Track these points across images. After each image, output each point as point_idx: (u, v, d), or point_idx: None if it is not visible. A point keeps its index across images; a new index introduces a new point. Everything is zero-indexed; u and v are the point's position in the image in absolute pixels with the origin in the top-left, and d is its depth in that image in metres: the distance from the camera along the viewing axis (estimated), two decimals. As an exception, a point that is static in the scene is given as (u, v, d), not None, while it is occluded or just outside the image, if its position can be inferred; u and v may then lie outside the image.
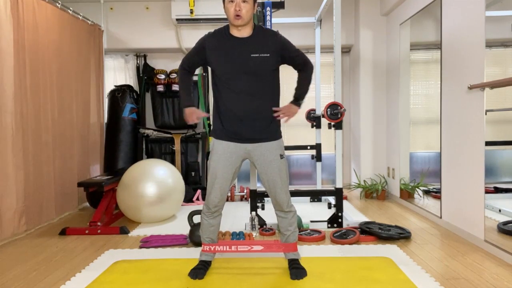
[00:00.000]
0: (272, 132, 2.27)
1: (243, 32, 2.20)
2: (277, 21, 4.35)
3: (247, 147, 2.26)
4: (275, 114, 2.26)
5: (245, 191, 4.62)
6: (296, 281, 2.22)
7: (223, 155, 2.26)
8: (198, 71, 5.30)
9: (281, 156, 2.29)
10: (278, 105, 2.32)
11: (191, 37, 5.06)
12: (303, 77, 2.39)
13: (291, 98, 2.37)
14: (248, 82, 2.19)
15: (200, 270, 2.31)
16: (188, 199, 4.48)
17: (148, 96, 5.24)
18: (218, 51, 2.21)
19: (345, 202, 4.35)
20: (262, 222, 3.27)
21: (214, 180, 2.27)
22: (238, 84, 2.19)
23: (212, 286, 2.17)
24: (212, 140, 2.32)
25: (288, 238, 2.37)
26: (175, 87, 4.95)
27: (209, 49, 2.23)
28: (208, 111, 5.19)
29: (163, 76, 4.94)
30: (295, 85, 2.40)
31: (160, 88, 4.94)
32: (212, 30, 2.29)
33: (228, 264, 2.50)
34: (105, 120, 4.83)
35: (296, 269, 2.29)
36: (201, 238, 2.39)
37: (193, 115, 2.29)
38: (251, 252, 2.40)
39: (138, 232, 3.31)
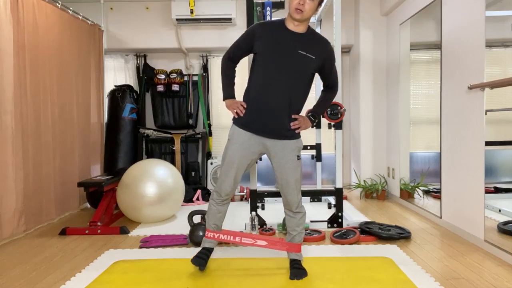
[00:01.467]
0: (293, 130, 2.28)
1: (298, 27, 2.22)
2: (277, 21, 4.35)
3: (266, 142, 2.27)
4: (292, 123, 2.26)
5: (245, 191, 4.62)
6: (296, 281, 2.22)
7: (242, 145, 2.26)
8: (198, 70, 5.31)
9: (298, 157, 2.31)
10: (302, 107, 2.33)
11: (191, 37, 5.06)
12: (328, 96, 2.45)
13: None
14: (287, 76, 2.20)
15: (203, 259, 2.34)
16: (188, 199, 4.49)
17: (148, 96, 5.24)
18: (268, 39, 2.21)
19: (345, 202, 4.35)
20: (262, 222, 3.27)
21: (229, 169, 2.28)
22: (278, 74, 2.19)
23: (212, 286, 2.17)
24: (232, 128, 2.31)
25: (293, 238, 2.37)
26: (175, 87, 4.96)
27: (259, 36, 2.23)
28: (208, 112, 5.20)
29: (163, 76, 4.94)
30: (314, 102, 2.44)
31: (160, 88, 4.95)
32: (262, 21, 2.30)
33: (228, 264, 2.50)
34: (105, 120, 4.83)
35: (297, 269, 2.29)
36: (207, 224, 2.40)
37: (234, 105, 2.28)
38: (254, 245, 2.40)
39: (138, 232, 3.31)
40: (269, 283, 2.19)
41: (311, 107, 2.55)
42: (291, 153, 2.28)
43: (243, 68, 4.91)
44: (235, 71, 2.40)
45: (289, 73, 2.20)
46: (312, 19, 4.40)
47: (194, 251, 2.78)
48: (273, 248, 2.40)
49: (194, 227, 2.89)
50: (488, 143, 2.69)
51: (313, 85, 2.48)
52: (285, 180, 2.29)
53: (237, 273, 2.35)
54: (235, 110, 2.27)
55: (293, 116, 2.26)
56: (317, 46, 2.24)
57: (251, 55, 2.35)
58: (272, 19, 2.27)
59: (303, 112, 2.39)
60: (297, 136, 2.32)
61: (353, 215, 3.72)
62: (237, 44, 2.33)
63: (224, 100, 2.35)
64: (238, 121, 2.29)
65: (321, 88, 2.49)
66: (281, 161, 2.27)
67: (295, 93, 2.24)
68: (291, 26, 2.22)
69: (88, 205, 4.41)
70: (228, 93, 2.34)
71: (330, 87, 2.44)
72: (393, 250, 2.73)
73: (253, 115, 2.24)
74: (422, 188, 3.83)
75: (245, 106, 2.26)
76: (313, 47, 2.23)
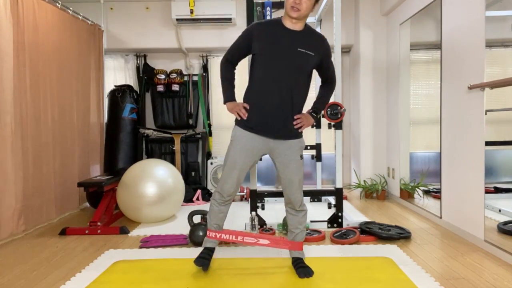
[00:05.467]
0: (296, 129, 2.28)
1: (295, 25, 2.21)
2: (277, 21, 4.35)
3: (270, 143, 2.27)
4: (295, 122, 2.26)
5: (245, 191, 4.62)
6: (296, 281, 2.21)
7: (245, 146, 2.26)
8: (198, 70, 5.31)
9: (301, 157, 2.31)
10: (303, 106, 2.32)
11: (191, 37, 5.06)
12: (326, 92, 2.45)
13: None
14: (288, 75, 2.19)
15: (206, 259, 2.34)
16: (188, 199, 4.49)
17: (148, 96, 5.24)
18: (266, 38, 2.20)
19: (345, 202, 4.35)
20: (262, 222, 3.27)
21: (232, 170, 2.28)
22: (279, 73, 2.19)
23: (212, 286, 2.17)
24: (235, 129, 2.31)
25: (296, 237, 2.38)
26: (175, 87, 4.96)
27: (257, 35, 2.22)
28: (208, 112, 5.20)
29: (163, 76, 4.95)
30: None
31: (160, 88, 4.95)
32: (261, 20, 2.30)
33: (229, 264, 2.49)
34: (105, 120, 4.83)
35: (303, 268, 2.30)
36: (208, 224, 2.40)
37: (236, 107, 2.26)
38: (257, 245, 2.40)
39: (138, 232, 3.30)
40: (269, 283, 2.19)
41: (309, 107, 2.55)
42: (295, 152, 2.28)
43: (242, 68, 4.91)
44: (234, 73, 2.39)
45: (290, 72, 2.19)
46: (312, 19, 4.40)
47: (194, 251, 2.78)
48: (276, 246, 2.40)
49: (194, 227, 2.89)
50: (488, 143, 2.69)
51: (312, 83, 2.47)
52: (289, 180, 2.29)
53: (237, 273, 2.34)
54: (237, 113, 2.26)
55: (295, 116, 2.26)
56: (316, 43, 2.24)
57: (248, 55, 2.35)
58: (276, 22, 2.26)
59: (304, 111, 2.39)
60: (300, 135, 2.32)
61: (353, 215, 3.72)
62: (235, 46, 2.32)
63: (225, 103, 2.33)
64: (241, 123, 2.28)
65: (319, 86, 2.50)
66: (285, 161, 2.27)
67: (297, 92, 2.24)
68: (289, 24, 2.22)
69: (88, 205, 4.41)
70: (229, 96, 2.33)
71: (329, 82, 2.44)
72: (393, 250, 2.73)
73: (256, 116, 2.23)
74: (422, 188, 3.83)
75: (248, 108, 2.25)
76: (312, 44, 2.23)
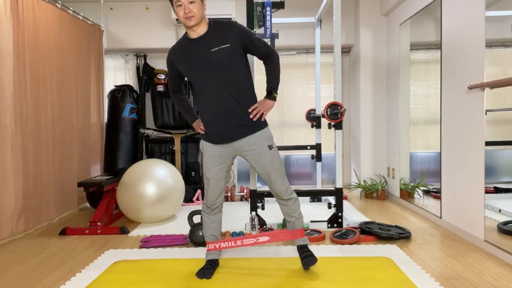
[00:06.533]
0: (256, 122, 2.26)
1: (198, 31, 2.20)
2: (277, 21, 4.36)
3: (234, 145, 2.28)
4: (251, 116, 2.24)
5: (245, 191, 4.62)
6: (296, 281, 2.21)
7: (213, 157, 2.30)
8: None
9: (270, 147, 2.28)
10: (253, 95, 2.29)
11: (191, 37, 5.05)
12: (271, 68, 2.33)
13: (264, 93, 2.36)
14: (217, 78, 2.19)
15: (208, 269, 2.31)
16: (188, 199, 4.49)
17: (148, 96, 5.24)
18: (183, 58, 2.25)
19: (345, 202, 4.35)
20: (262, 222, 3.27)
21: (208, 181, 2.33)
22: (209, 83, 2.20)
23: (212, 286, 2.17)
24: (201, 143, 2.38)
25: (294, 225, 2.39)
26: (175, 87, 4.95)
27: (176, 61, 2.30)
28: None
29: (163, 76, 4.94)
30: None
31: (160, 88, 4.94)
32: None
33: (229, 264, 2.49)
34: (105, 120, 4.83)
35: (307, 257, 2.31)
36: (205, 237, 2.41)
37: (196, 125, 2.40)
38: (257, 244, 2.39)
39: (138, 232, 3.30)
40: (269, 283, 2.19)
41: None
42: (261, 145, 2.26)
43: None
44: (185, 97, 2.49)
45: (215, 75, 2.18)
46: (312, 19, 4.40)
47: (194, 251, 2.78)
48: (277, 240, 2.40)
49: (194, 227, 2.89)
50: (488, 143, 2.69)
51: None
52: (265, 173, 2.30)
53: (237, 273, 2.34)
54: (199, 128, 2.36)
55: (250, 109, 2.24)
56: (225, 32, 2.19)
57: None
58: (183, 39, 2.28)
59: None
60: (262, 126, 2.29)
61: (353, 215, 3.72)
62: (169, 77, 2.44)
63: (190, 125, 2.45)
64: (203, 136, 2.35)
65: None
66: (255, 156, 2.27)
67: (235, 87, 2.20)
68: (193, 34, 2.20)
69: (88, 205, 4.41)
70: (190, 118, 2.44)
71: (266, 56, 2.31)
72: (393, 250, 2.73)
73: (210, 128, 2.28)
74: (422, 188, 3.83)
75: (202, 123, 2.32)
76: (221, 37, 2.18)
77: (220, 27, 2.21)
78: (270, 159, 2.28)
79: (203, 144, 2.35)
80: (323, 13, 4.12)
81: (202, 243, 2.84)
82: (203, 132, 2.33)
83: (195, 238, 2.86)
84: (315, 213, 3.89)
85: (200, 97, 2.27)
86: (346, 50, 5.35)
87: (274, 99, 2.32)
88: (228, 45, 2.17)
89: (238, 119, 2.23)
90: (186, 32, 2.26)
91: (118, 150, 4.61)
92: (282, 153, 5.22)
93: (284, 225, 3.19)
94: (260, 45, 2.27)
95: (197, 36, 2.20)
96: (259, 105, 2.27)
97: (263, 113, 2.27)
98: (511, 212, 2.51)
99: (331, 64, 5.31)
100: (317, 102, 4.46)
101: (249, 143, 2.26)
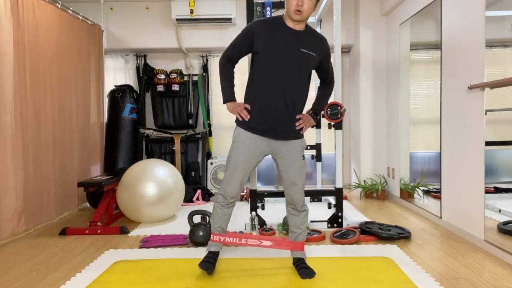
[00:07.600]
0: (298, 130, 2.28)
1: (297, 26, 2.20)
2: (277, 21, 4.35)
3: (273, 144, 2.25)
4: (297, 123, 2.26)
5: (245, 191, 4.62)
6: (297, 281, 2.22)
7: (248, 148, 2.23)
8: (198, 70, 5.31)
9: (303, 157, 2.31)
10: (303, 107, 2.32)
11: (191, 37, 5.06)
12: (326, 92, 2.45)
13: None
14: (291, 74, 2.18)
15: (210, 263, 2.31)
16: (188, 199, 4.48)
17: (148, 96, 5.24)
18: (269, 37, 2.18)
19: (345, 202, 4.35)
20: (262, 222, 3.27)
21: (235, 171, 2.25)
22: (281, 73, 2.17)
23: (212, 287, 2.17)
24: (237, 130, 2.28)
25: (297, 237, 2.38)
26: (175, 87, 4.96)
27: (259, 34, 2.18)
28: (208, 112, 5.20)
29: (163, 76, 4.94)
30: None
31: (160, 88, 4.95)
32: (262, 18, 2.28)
33: (229, 264, 2.49)
34: (105, 120, 4.83)
35: (305, 268, 2.30)
36: (212, 227, 2.36)
37: (237, 108, 2.23)
38: (260, 246, 2.39)
39: (138, 232, 3.30)
40: (270, 283, 2.19)
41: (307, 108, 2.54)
42: (297, 153, 2.27)
43: (243, 67, 4.91)
44: (234, 72, 2.34)
45: (292, 72, 2.19)
46: (312, 19, 4.41)
47: (194, 251, 2.78)
48: (278, 248, 2.39)
49: (194, 227, 2.89)
50: (488, 143, 2.69)
51: (312, 83, 2.48)
52: (291, 180, 2.28)
53: (237, 273, 2.34)
54: (238, 114, 2.24)
55: (297, 116, 2.26)
56: (317, 43, 2.24)
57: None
58: (276, 20, 2.23)
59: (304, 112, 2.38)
60: (302, 135, 2.32)
61: (353, 215, 3.72)
62: (235, 44, 2.26)
63: (224, 103, 2.30)
64: (242, 124, 2.25)
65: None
66: (288, 162, 2.26)
67: (299, 92, 2.23)
68: (291, 24, 2.20)
69: (88, 205, 4.41)
70: (229, 95, 2.28)
71: (328, 82, 2.44)
72: (393, 250, 2.73)
73: (258, 116, 2.21)
74: (422, 188, 3.83)
75: (249, 108, 2.23)
76: (313, 44, 2.23)
77: (314, 35, 2.26)
78: (300, 168, 2.29)
79: (239, 132, 2.25)
80: (323, 13, 4.12)
81: (202, 243, 2.84)
82: (246, 119, 2.22)
83: (195, 238, 2.86)
84: (315, 213, 3.89)
85: (261, 82, 2.19)
86: (346, 50, 5.35)
87: (315, 119, 2.39)
88: (315, 55, 2.22)
89: (290, 120, 2.24)
90: (281, 17, 2.22)
91: (118, 150, 4.61)
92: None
93: (284, 225, 3.19)
94: (331, 70, 2.41)
95: (294, 29, 2.20)
96: (304, 118, 2.29)
97: (303, 127, 2.30)
98: (511, 212, 2.51)
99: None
100: (317, 102, 4.46)
101: (288, 147, 2.26)
